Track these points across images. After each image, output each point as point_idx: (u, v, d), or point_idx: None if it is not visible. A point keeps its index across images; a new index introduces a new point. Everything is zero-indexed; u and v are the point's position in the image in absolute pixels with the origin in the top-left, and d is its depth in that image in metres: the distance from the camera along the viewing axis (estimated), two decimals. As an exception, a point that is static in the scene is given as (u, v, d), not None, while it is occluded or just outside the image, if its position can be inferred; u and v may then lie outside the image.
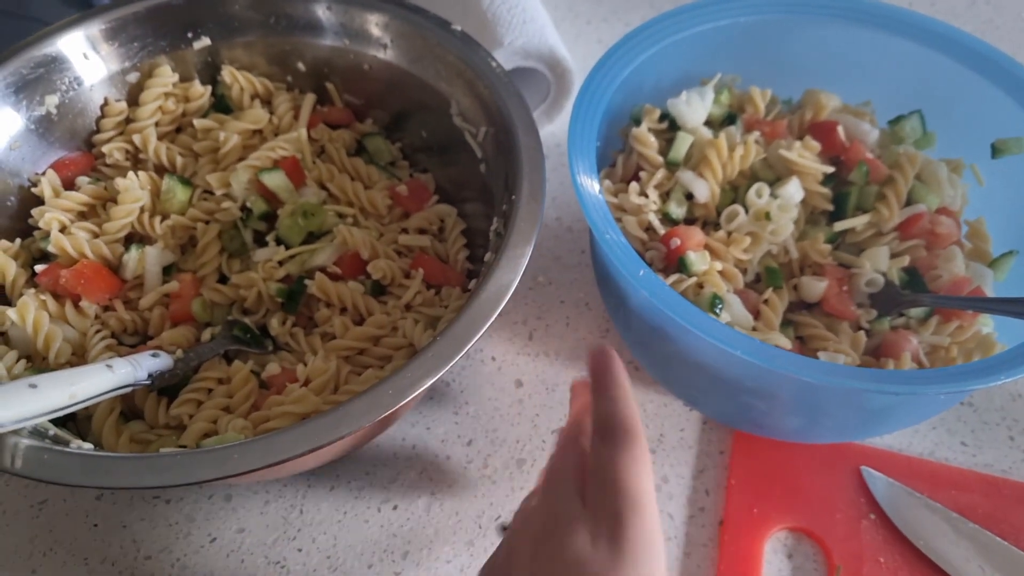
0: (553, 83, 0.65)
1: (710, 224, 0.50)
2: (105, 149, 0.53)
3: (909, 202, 0.50)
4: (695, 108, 0.51)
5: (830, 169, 0.50)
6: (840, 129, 0.51)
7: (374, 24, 0.53)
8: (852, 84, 0.54)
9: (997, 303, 0.44)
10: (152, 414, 0.45)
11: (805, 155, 0.49)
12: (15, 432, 0.36)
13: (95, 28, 0.51)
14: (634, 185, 0.49)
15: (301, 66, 0.56)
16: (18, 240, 0.49)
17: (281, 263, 0.50)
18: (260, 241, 0.52)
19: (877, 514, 0.49)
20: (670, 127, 0.52)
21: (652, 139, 0.51)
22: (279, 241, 0.51)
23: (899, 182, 0.49)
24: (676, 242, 0.46)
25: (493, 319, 0.39)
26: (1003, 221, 0.51)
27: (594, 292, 0.60)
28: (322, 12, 0.53)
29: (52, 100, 0.51)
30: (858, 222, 0.49)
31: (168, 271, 0.51)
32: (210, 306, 0.49)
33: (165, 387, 0.45)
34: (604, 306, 0.59)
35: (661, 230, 0.48)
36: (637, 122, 0.52)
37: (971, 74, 0.50)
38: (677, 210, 0.49)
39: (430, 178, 0.57)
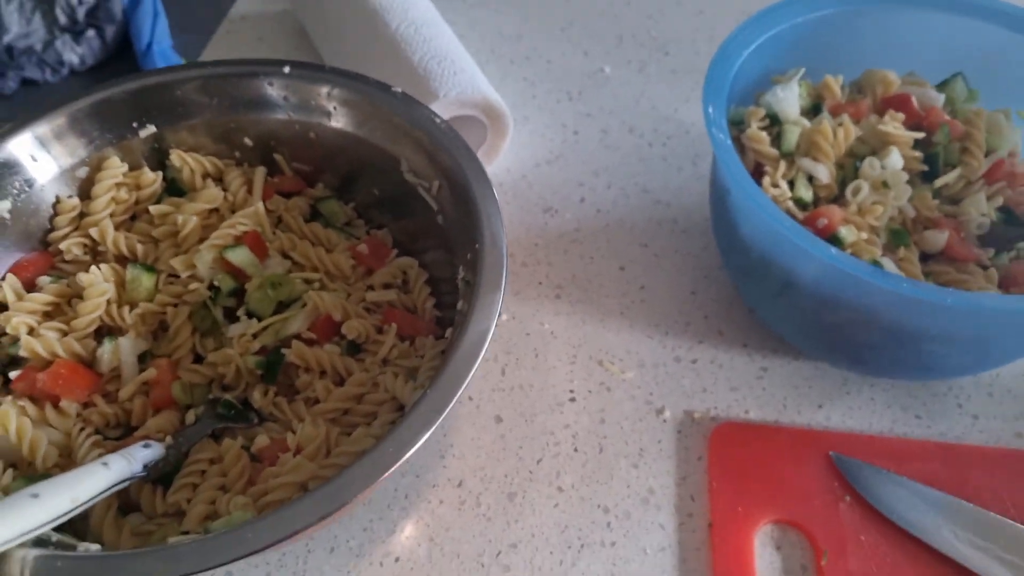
0: (489, 126, 0.67)
1: (832, 201, 0.54)
2: (63, 246, 0.53)
3: (985, 152, 0.56)
4: (790, 102, 0.56)
5: (921, 135, 0.55)
6: (913, 99, 0.56)
7: (318, 95, 0.55)
8: (892, 59, 0.61)
9: None
10: (149, 504, 0.45)
11: (896, 126, 0.55)
12: (21, 544, 0.36)
13: (42, 128, 0.51)
14: (766, 179, 0.53)
15: (248, 141, 0.57)
16: (-15, 349, 0.49)
17: (255, 336, 0.51)
18: (231, 317, 0.53)
19: (852, 495, 0.52)
20: (771, 123, 0.56)
21: (764, 135, 0.55)
22: (250, 314, 0.52)
23: (977, 136, 0.55)
24: (823, 221, 0.50)
25: (476, 366, 0.41)
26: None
27: (558, 322, 0.62)
28: (265, 89, 0.55)
29: (4, 205, 0.51)
30: (952, 176, 0.54)
31: (143, 358, 0.51)
32: (189, 388, 0.50)
33: (161, 476, 0.45)
34: (569, 334, 0.61)
35: (800, 215, 0.52)
36: (735, 124, 0.56)
37: (998, 30, 0.57)
38: (807, 193, 0.53)
39: (387, 233, 0.59)
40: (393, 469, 0.37)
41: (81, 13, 2.17)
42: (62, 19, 2.17)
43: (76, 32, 2.17)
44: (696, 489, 0.54)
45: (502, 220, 0.47)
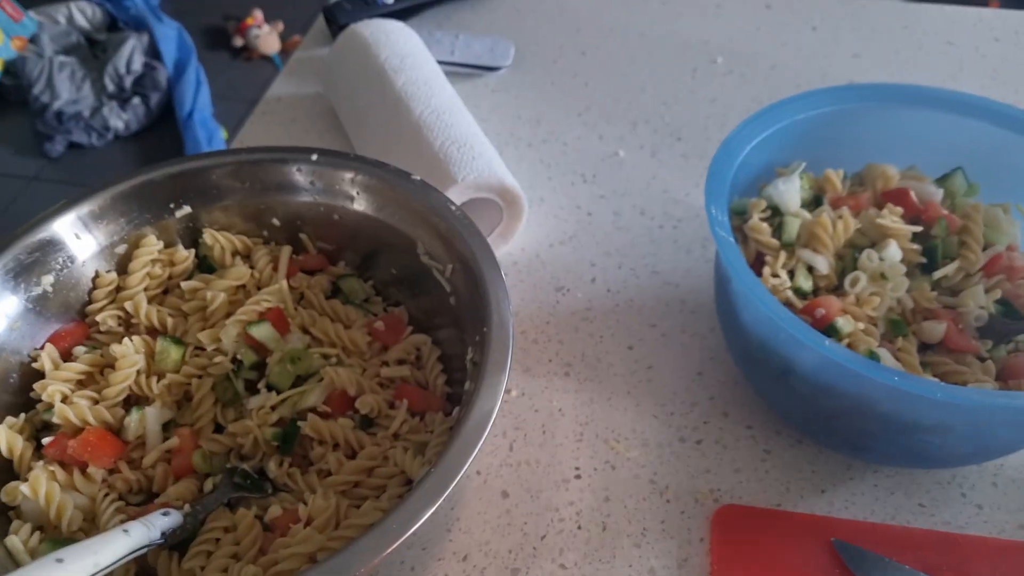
0: (504, 209, 0.71)
1: (830, 292, 0.57)
2: (99, 318, 0.56)
3: (984, 246, 0.58)
4: (791, 194, 0.59)
5: (919, 228, 0.57)
6: (912, 193, 0.59)
7: (342, 180, 0.58)
8: (895, 153, 0.64)
9: None
10: (165, 570, 0.47)
11: (895, 220, 0.57)
12: (42, 608, 0.38)
13: (85, 209, 0.56)
14: (766, 269, 0.55)
15: (276, 221, 0.61)
16: (22, 415, 0.52)
17: (273, 407, 0.54)
18: (251, 389, 0.55)
19: (851, 582, 0.52)
20: (773, 215, 0.59)
21: (765, 226, 0.57)
22: (269, 387, 0.55)
23: (975, 229, 0.57)
24: (821, 311, 0.52)
25: (480, 444, 0.43)
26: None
27: (566, 399, 0.64)
28: (294, 175, 0.59)
29: (48, 279, 0.55)
30: (950, 269, 0.56)
31: (166, 427, 0.54)
32: (209, 456, 0.52)
33: (176, 543, 0.47)
34: (577, 412, 0.63)
35: (798, 304, 0.54)
36: (739, 214, 0.59)
37: (999, 130, 0.60)
38: (806, 283, 0.55)
39: (403, 310, 0.61)
40: (398, 543, 0.39)
41: (128, 82, 2.29)
42: (110, 87, 2.29)
43: (123, 100, 2.28)
44: (698, 571, 0.54)
45: (510, 304, 0.50)
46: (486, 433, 0.44)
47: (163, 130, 2.27)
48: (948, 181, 0.61)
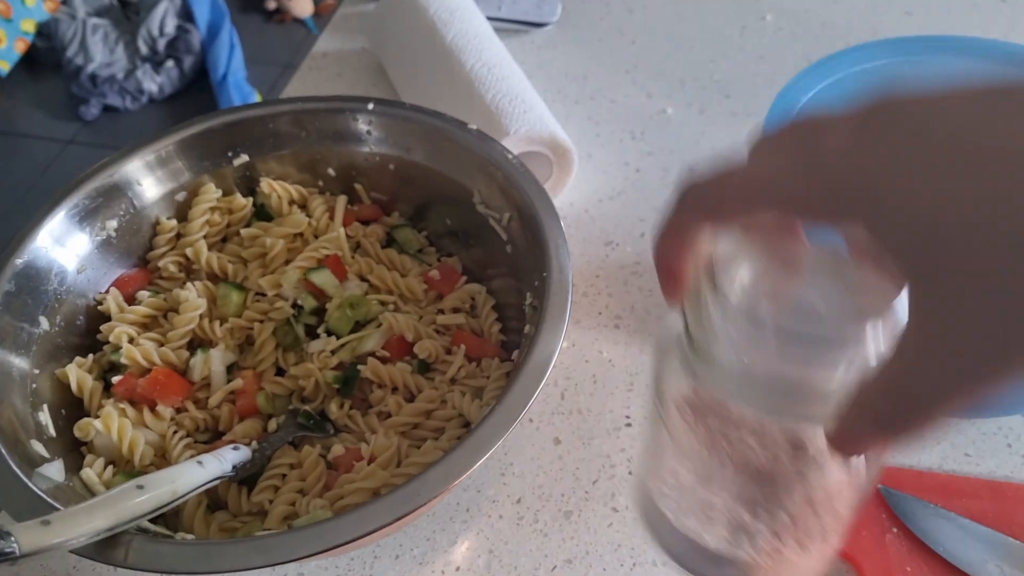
0: (555, 162, 0.71)
1: None
2: (161, 264, 0.58)
3: None
4: None
5: None
6: None
7: (399, 129, 0.59)
8: None
9: None
10: (235, 503, 0.49)
11: None
12: (125, 531, 0.40)
13: (148, 156, 0.57)
14: None
15: (331, 171, 0.62)
16: (90, 355, 0.54)
17: (333, 352, 0.55)
18: (311, 334, 0.57)
19: (899, 528, 0.53)
20: None
21: None
22: (329, 332, 0.56)
23: None
24: None
25: (542, 386, 0.44)
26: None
27: (616, 350, 0.65)
28: (351, 124, 0.59)
29: (112, 224, 0.56)
30: None
31: (230, 369, 0.55)
32: (272, 398, 0.54)
33: (245, 478, 0.49)
34: (627, 362, 0.64)
35: None
36: None
37: None
38: None
39: (456, 260, 0.62)
40: (462, 478, 0.40)
41: (162, 44, 2.30)
42: (143, 50, 2.30)
43: (156, 62, 2.29)
44: (747, 517, 0.55)
45: (568, 251, 0.50)
46: (547, 375, 0.44)
47: (197, 93, 2.28)
48: None
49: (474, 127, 0.57)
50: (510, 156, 0.55)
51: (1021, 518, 0.53)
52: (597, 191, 0.77)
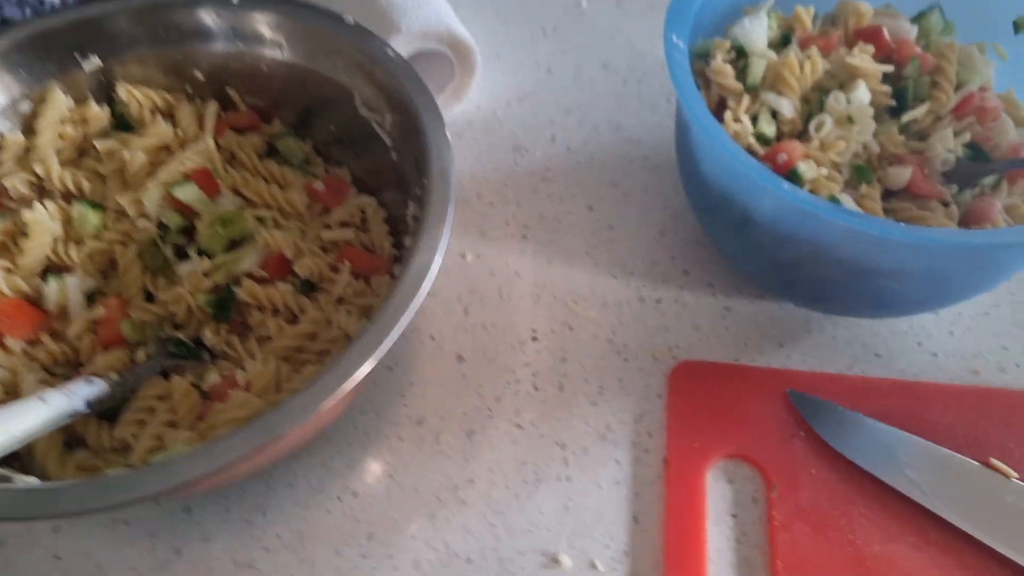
0: (456, 63, 0.66)
1: (796, 137, 0.53)
2: (7, 183, 0.52)
3: (956, 87, 0.54)
4: (758, 33, 0.54)
5: (890, 68, 0.53)
6: (885, 31, 0.55)
7: (264, 25, 0.53)
8: None
9: None
10: (96, 440, 0.45)
11: (865, 59, 0.53)
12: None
13: (-23, 62, 0.50)
14: (728, 113, 0.51)
15: (198, 74, 0.56)
16: (-69, 287, 0.48)
17: (207, 274, 0.50)
18: (182, 255, 0.52)
19: (806, 431, 0.52)
20: (738, 56, 0.55)
21: (729, 68, 0.53)
22: (201, 253, 0.51)
23: (948, 69, 0.54)
24: (783, 157, 0.49)
25: (420, 300, 0.40)
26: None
27: (523, 262, 0.61)
28: (209, 18, 0.53)
29: (-55, 142, 0.50)
30: (920, 111, 0.53)
31: (94, 297, 0.50)
32: (140, 326, 0.49)
33: (108, 412, 0.45)
34: (535, 274, 0.60)
35: (761, 150, 0.51)
36: (702, 57, 0.54)
37: None
38: (769, 128, 0.52)
39: (345, 171, 0.58)
40: (325, 406, 0.37)
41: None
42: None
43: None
44: (654, 426, 0.54)
45: (452, 156, 0.46)
46: (426, 286, 0.41)
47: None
48: (924, 19, 0.57)
49: (351, 20, 0.52)
50: (390, 52, 0.50)
51: (929, 416, 0.53)
52: (505, 93, 0.72)
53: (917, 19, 0.57)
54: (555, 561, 0.49)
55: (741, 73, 0.53)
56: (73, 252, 0.50)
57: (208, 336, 0.49)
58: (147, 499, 0.34)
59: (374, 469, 0.52)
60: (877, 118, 0.53)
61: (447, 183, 0.45)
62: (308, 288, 0.52)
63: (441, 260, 0.42)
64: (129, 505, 0.34)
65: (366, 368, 0.38)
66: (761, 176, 0.43)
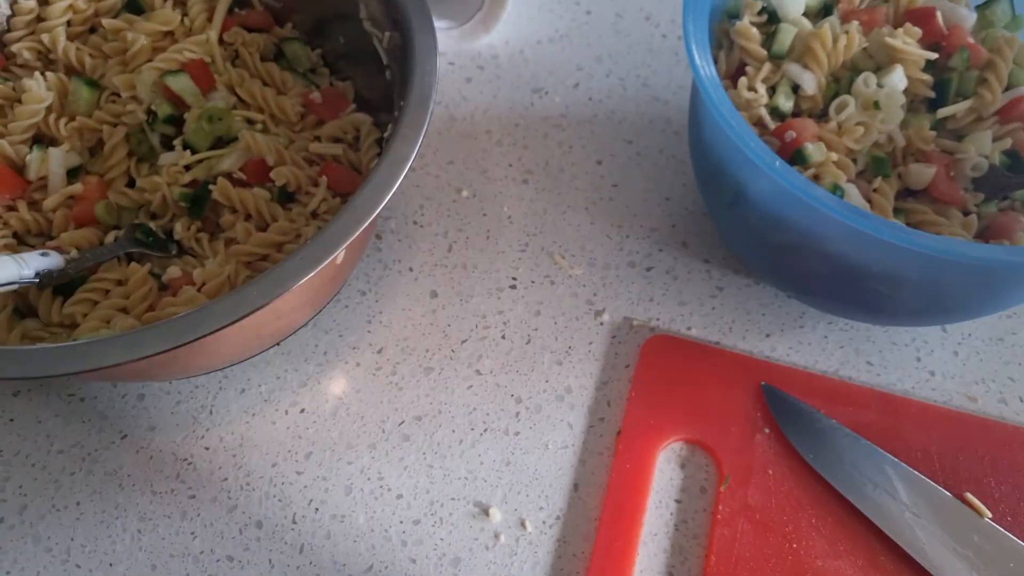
0: (487, -10, 0.63)
1: (816, 116, 0.50)
2: (15, 48, 0.52)
3: (1008, 86, 0.49)
4: None
5: (933, 55, 0.49)
6: (938, 15, 0.50)
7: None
8: None
9: None
10: (46, 312, 0.45)
11: (908, 41, 0.48)
12: None
13: (-5, -79, 0.50)
14: (743, 80, 0.48)
15: (217, -34, 0.55)
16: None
17: (188, 168, 0.50)
18: (169, 146, 0.51)
19: (772, 428, 0.49)
20: (769, 20, 0.51)
21: (755, 32, 0.49)
22: (186, 146, 0.51)
23: (1000, 66, 0.48)
24: (791, 135, 0.46)
25: (365, 225, 0.39)
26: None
27: (519, 207, 0.59)
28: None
29: (-43, -2, 0.50)
30: (961, 107, 0.48)
31: (76, 174, 0.51)
32: (116, 209, 0.50)
33: (64, 287, 0.46)
34: (527, 221, 0.58)
35: (772, 124, 0.47)
36: (732, 17, 0.51)
37: None
38: (786, 103, 0.48)
39: (349, 86, 0.56)
40: (249, 312, 0.36)
41: None
42: None
43: None
44: (615, 396, 0.52)
45: (435, 79, 0.44)
46: (375, 212, 0.39)
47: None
48: (989, 8, 0.51)
49: (366, -73, 0.50)
50: (397, -37, 0.48)
51: (907, 435, 0.49)
52: (538, 31, 0.69)
53: (982, 7, 0.51)
54: (485, 513, 0.48)
55: (769, 39, 0.49)
56: (62, 125, 0.50)
57: (179, 230, 0.49)
58: (49, 378, 0.34)
59: (326, 389, 0.52)
60: (911, 109, 0.48)
61: (424, 108, 0.43)
62: (286, 198, 0.51)
63: (397, 185, 0.40)
64: (32, 379, 0.34)
65: (295, 284, 0.37)
66: (753, 150, 0.40)
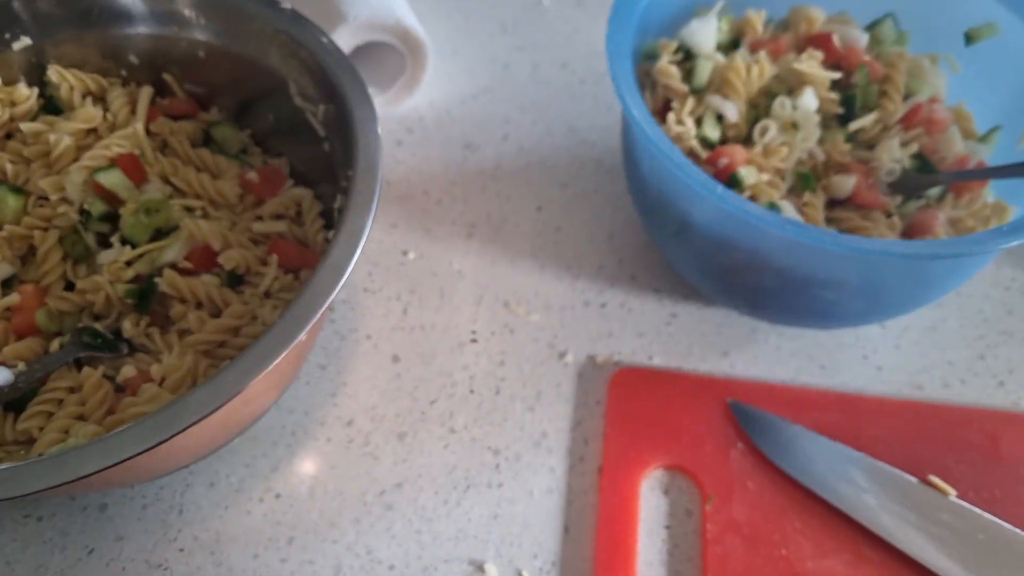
0: (407, 56, 0.64)
1: (741, 141, 0.52)
2: (-73, 163, 0.50)
3: (905, 96, 0.54)
4: (705, 35, 0.53)
5: (837, 75, 0.52)
6: (835, 38, 0.54)
7: (188, 7, 0.51)
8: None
9: (1009, 169, 0.47)
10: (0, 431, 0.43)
11: (813, 65, 0.52)
12: None
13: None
14: (671, 116, 0.51)
15: (134, 58, 0.54)
16: None
17: (130, 263, 0.49)
18: (105, 244, 0.50)
19: (744, 443, 0.51)
20: (685, 57, 0.54)
21: (674, 70, 0.52)
22: (125, 241, 0.49)
23: (896, 78, 0.53)
24: (724, 161, 0.48)
25: (333, 296, 0.39)
26: (979, 101, 0.55)
27: (467, 261, 0.60)
28: (146, 2, 0.51)
29: None
30: (868, 120, 0.52)
31: (10, 284, 0.49)
32: (57, 315, 0.48)
33: (13, 402, 0.43)
34: (478, 275, 0.59)
35: (703, 154, 0.50)
36: (650, 58, 0.53)
37: None
38: (713, 132, 0.51)
39: (284, 162, 0.56)
40: (230, 399, 0.35)
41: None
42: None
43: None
44: (591, 433, 0.52)
45: (379, 146, 0.45)
46: (343, 279, 0.39)
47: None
48: (876, 28, 0.56)
49: (288, 6, 0.50)
50: (325, 40, 0.49)
51: (870, 430, 0.52)
52: (461, 89, 0.71)
53: (870, 28, 0.56)
54: (480, 570, 0.47)
55: (688, 75, 0.52)
56: (-11, 237, 0.48)
57: (127, 328, 0.47)
58: (29, 495, 0.32)
59: (299, 470, 0.51)
60: (825, 126, 0.52)
61: (373, 176, 0.43)
62: (236, 281, 0.50)
63: (358, 255, 0.40)
64: (10, 500, 0.32)
65: (272, 364, 0.37)
66: (696, 180, 0.42)
